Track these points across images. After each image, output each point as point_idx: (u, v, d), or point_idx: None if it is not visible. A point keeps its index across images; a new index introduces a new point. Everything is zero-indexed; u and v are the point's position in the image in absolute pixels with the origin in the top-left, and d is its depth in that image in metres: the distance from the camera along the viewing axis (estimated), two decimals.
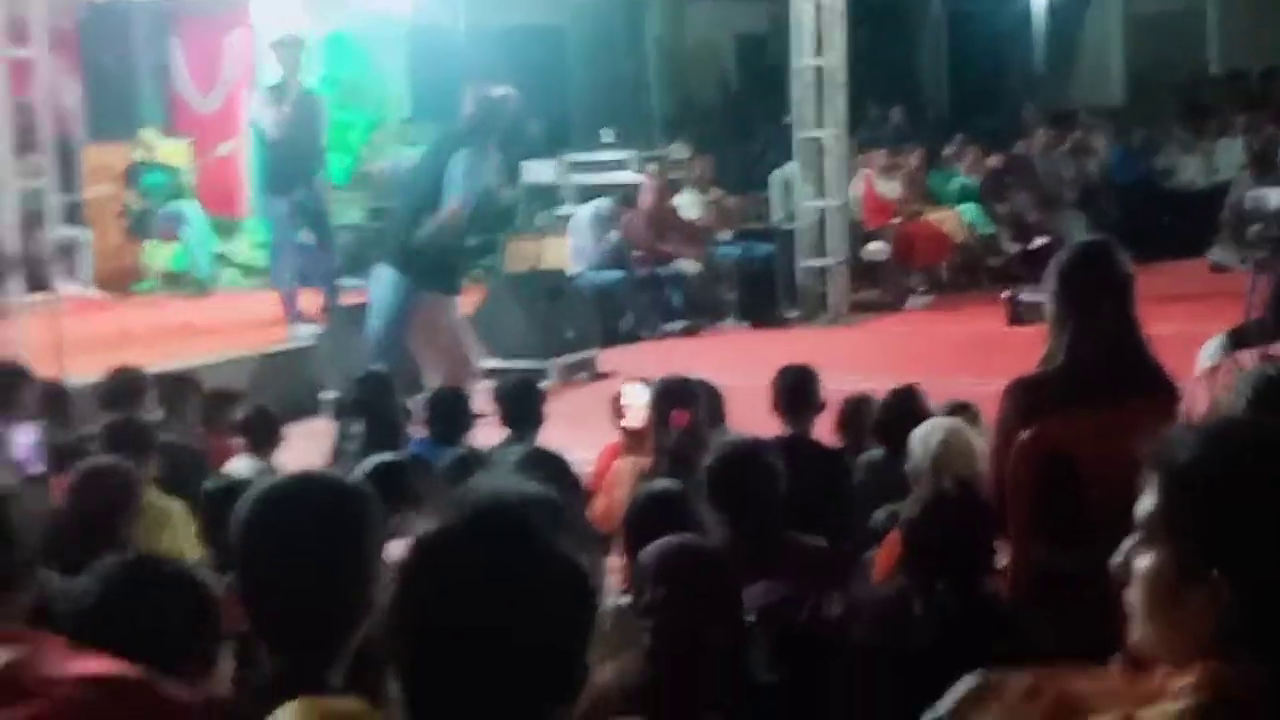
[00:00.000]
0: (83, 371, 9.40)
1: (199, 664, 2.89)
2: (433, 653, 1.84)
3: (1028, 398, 4.32)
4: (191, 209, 14.33)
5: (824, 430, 6.85)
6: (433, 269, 9.17)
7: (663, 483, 5.05)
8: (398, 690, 1.88)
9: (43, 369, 8.51)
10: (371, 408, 7.74)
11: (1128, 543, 1.88)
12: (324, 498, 2.64)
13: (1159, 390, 4.30)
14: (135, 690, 2.55)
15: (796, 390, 6.72)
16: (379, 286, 9.32)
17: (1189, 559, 1.78)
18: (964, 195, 16.82)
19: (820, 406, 6.76)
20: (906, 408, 6.15)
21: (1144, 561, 1.83)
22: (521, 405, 7.21)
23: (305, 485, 2.71)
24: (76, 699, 2.49)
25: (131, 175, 14.41)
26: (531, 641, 1.84)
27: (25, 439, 5.56)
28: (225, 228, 14.79)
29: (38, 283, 10.56)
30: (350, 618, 2.55)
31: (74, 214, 13.63)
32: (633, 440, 6.62)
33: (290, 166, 12.03)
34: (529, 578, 1.85)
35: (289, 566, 2.54)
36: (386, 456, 5.43)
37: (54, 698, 2.48)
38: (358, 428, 7.68)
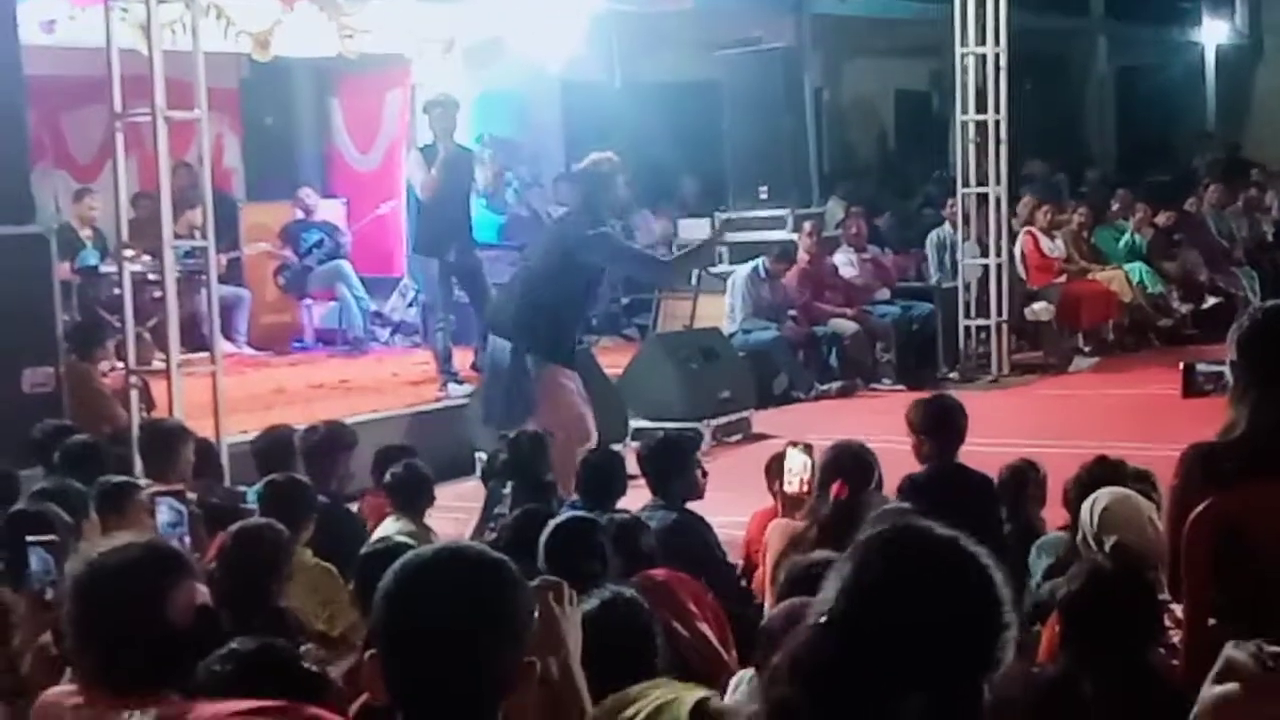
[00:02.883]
0: (239, 430, 9.45)
1: None
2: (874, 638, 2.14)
3: (1206, 466, 4.23)
4: (347, 268, 14.42)
5: None
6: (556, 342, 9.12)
7: (821, 553, 4.85)
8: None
9: (200, 428, 8.53)
10: (522, 469, 7.64)
11: None
12: (465, 571, 2.55)
13: None
14: (291, 712, 2.67)
15: (943, 418, 6.65)
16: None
17: None
18: (1132, 253, 16.43)
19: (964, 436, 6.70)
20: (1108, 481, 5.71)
21: None
22: (668, 465, 7.00)
23: (446, 558, 2.62)
24: None
25: (289, 234, 14.55)
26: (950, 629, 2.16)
27: (164, 517, 5.51)
28: (381, 286, 14.85)
29: (196, 341, 10.65)
30: (491, 692, 2.49)
31: (233, 273, 13.77)
32: (790, 505, 6.42)
33: (441, 228, 11.99)
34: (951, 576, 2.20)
35: (428, 642, 2.47)
36: (573, 518, 5.30)
37: None
38: (508, 490, 7.59)
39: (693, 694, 2.04)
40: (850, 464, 6.13)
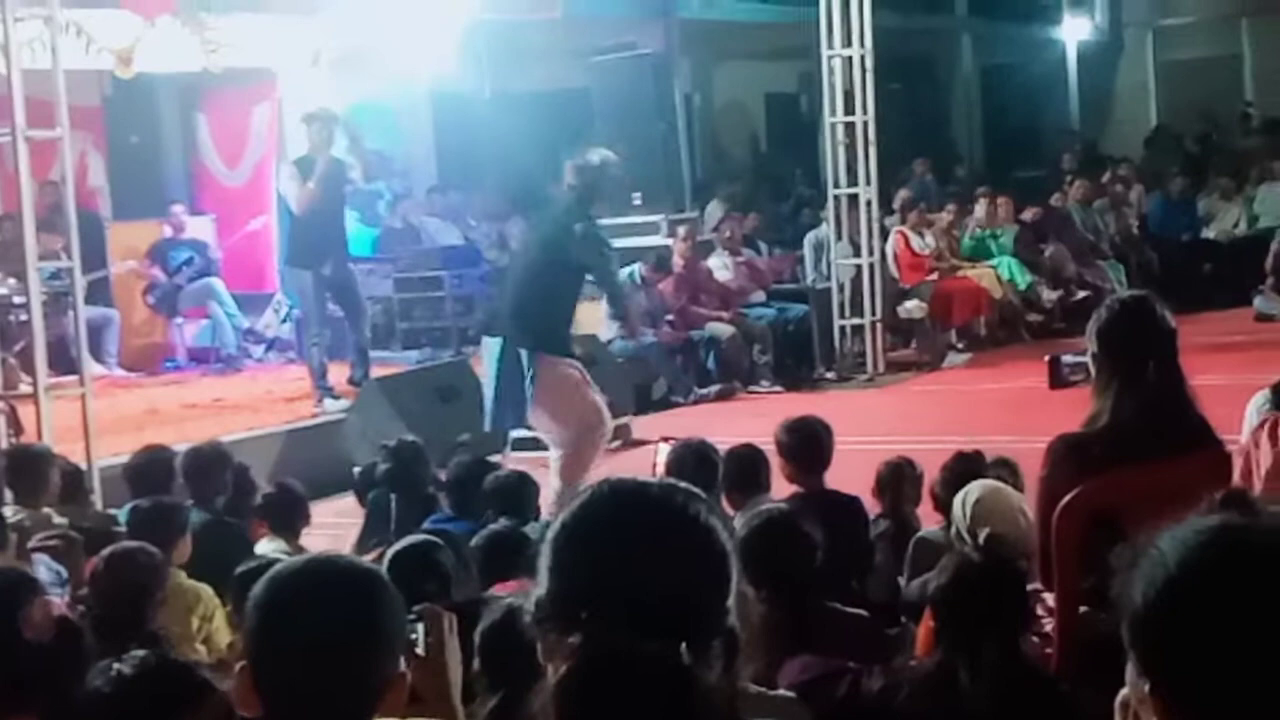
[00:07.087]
0: (111, 452, 9.30)
1: None
2: (592, 610, 1.87)
3: (1073, 456, 4.30)
4: (218, 285, 14.26)
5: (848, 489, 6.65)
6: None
7: None
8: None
9: (70, 452, 8.39)
10: (404, 480, 7.59)
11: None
12: (332, 581, 2.54)
13: (1205, 446, 4.27)
14: None
15: (812, 442, 6.56)
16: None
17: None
18: (999, 249, 16.62)
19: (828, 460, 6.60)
20: (971, 475, 5.79)
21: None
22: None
23: (313, 570, 2.61)
24: None
25: (157, 252, 14.36)
26: (675, 592, 1.88)
27: (43, 576, 5.40)
28: (253, 302, 14.70)
29: (66, 365, 10.47)
30: (364, 703, 2.47)
31: (100, 293, 13.56)
32: None
33: (315, 240, 11.89)
34: (666, 535, 1.92)
35: (299, 654, 2.45)
36: (416, 539, 5.28)
37: None
38: (388, 501, 7.54)
39: None
40: (692, 461, 6.20)
